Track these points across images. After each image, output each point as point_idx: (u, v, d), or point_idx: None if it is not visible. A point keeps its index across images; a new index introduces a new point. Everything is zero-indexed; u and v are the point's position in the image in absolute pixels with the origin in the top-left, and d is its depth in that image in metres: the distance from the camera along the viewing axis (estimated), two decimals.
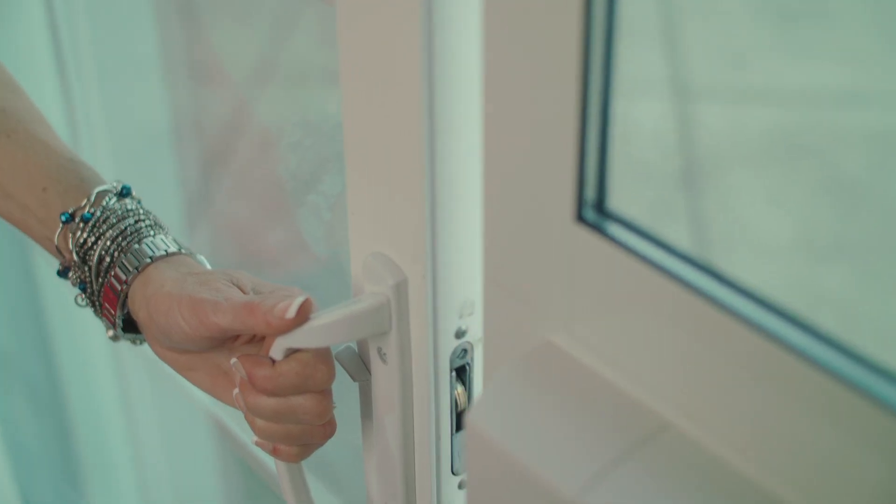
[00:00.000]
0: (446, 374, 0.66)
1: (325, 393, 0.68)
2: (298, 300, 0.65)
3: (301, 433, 0.69)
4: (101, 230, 0.73)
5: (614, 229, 0.52)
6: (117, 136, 1.27)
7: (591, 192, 0.52)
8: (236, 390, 0.69)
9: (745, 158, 2.36)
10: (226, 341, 0.71)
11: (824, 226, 2.18)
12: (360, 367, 0.71)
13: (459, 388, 0.67)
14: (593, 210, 0.52)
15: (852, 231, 2.15)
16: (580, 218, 0.52)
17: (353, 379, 0.71)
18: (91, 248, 0.73)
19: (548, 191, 0.53)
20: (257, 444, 0.71)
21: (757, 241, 2.12)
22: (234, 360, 0.68)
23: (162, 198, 1.20)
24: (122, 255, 0.73)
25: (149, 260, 0.72)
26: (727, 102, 2.36)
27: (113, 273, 0.73)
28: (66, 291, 0.76)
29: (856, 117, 2.40)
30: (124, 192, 0.75)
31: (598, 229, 0.52)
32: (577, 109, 0.50)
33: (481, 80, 0.55)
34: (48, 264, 0.77)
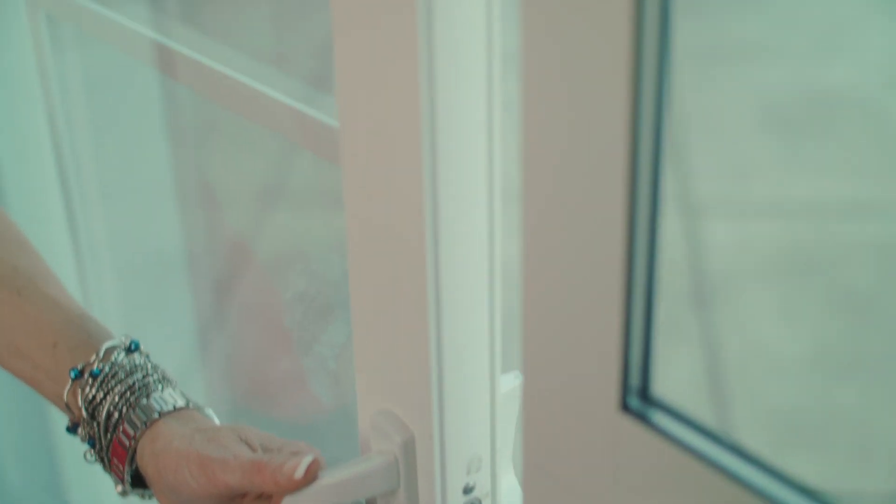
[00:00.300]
0: None
1: None
2: (307, 460, 0.65)
3: None
4: (109, 386, 0.74)
5: (659, 418, 0.51)
6: (120, 261, 1.28)
7: (635, 379, 0.52)
8: None
9: (757, 274, 2.37)
10: (234, 498, 0.70)
11: (837, 341, 2.18)
12: None
13: None
14: (637, 398, 0.52)
15: (865, 346, 2.15)
16: (625, 406, 0.52)
17: None
18: (100, 403, 0.74)
19: (592, 379, 0.53)
20: None
21: (771, 358, 2.12)
22: None
23: (162, 338, 1.21)
24: (131, 410, 0.73)
25: (157, 415, 0.73)
26: (736, 218, 2.38)
27: (121, 428, 0.73)
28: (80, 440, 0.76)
29: (863, 229, 2.43)
30: (133, 348, 0.76)
31: (643, 418, 0.51)
32: (622, 301, 0.50)
33: (522, 260, 0.55)
34: (62, 413, 0.78)
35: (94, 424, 0.74)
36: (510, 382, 0.66)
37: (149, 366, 0.75)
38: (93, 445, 0.75)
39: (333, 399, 0.80)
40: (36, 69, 1.22)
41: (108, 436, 0.74)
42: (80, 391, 0.74)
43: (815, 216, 2.28)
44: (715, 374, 1.88)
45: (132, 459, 0.73)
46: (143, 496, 0.76)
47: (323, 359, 0.78)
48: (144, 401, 0.73)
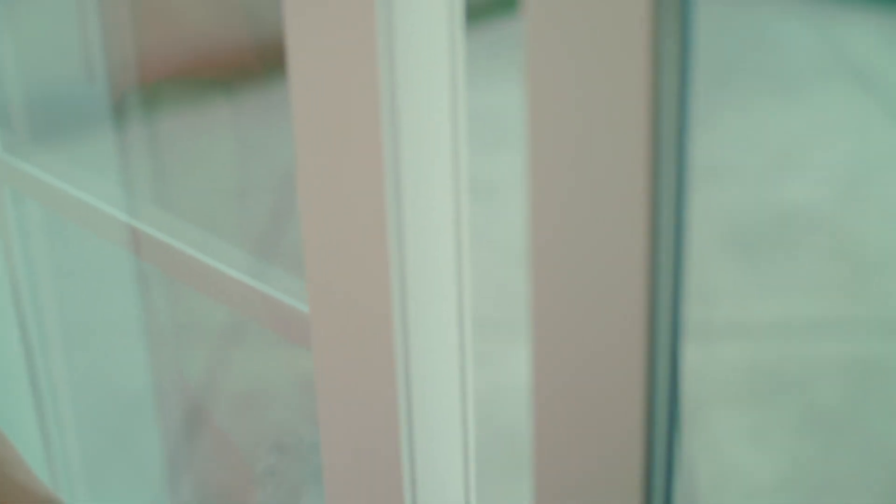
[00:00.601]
0: None
1: None
2: None
3: None
4: None
5: None
6: (82, 409, 1.27)
7: None
8: None
9: (726, 396, 2.38)
10: None
11: (809, 463, 2.18)
12: None
13: None
14: None
15: (837, 464, 2.15)
16: None
17: None
18: None
19: None
20: None
21: (744, 483, 2.11)
22: None
23: (127, 490, 1.18)
24: None
25: None
26: (703, 341, 2.40)
27: None
28: None
29: (828, 347, 2.45)
30: None
31: None
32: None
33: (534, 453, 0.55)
34: None
35: None
36: None
37: None
38: None
39: None
40: None
41: None
42: None
43: (781, 336, 2.29)
44: (691, 500, 1.87)
45: None
46: None
47: None
48: None
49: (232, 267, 0.66)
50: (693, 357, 2.22)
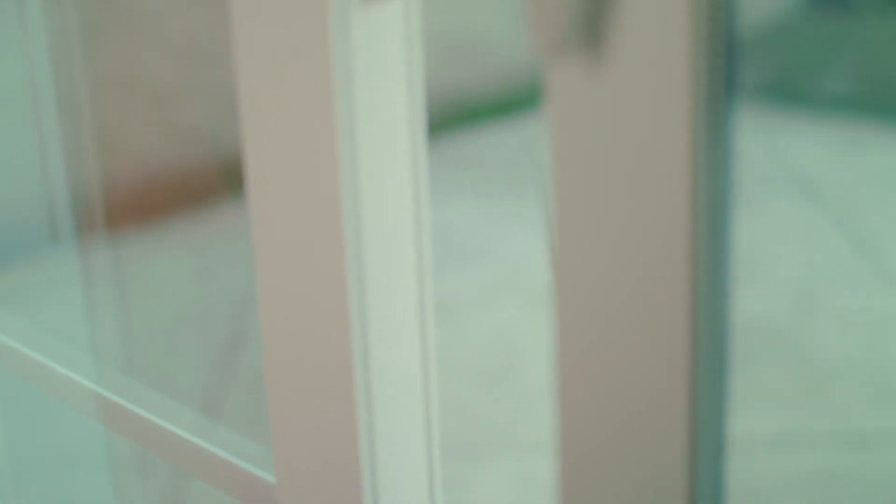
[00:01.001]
0: None
1: None
2: None
3: None
4: None
5: None
6: None
7: None
8: None
9: None
10: None
11: None
12: None
13: None
14: None
15: None
16: None
17: None
18: None
19: None
20: None
21: None
22: None
23: None
24: None
25: None
26: None
27: None
28: None
29: (791, 460, 2.46)
30: None
31: None
32: None
33: None
34: None
35: None
36: None
37: None
38: None
39: None
40: None
41: None
42: None
43: (745, 451, 2.29)
44: None
45: None
46: None
47: None
48: None
49: (192, 432, 0.65)
50: None
